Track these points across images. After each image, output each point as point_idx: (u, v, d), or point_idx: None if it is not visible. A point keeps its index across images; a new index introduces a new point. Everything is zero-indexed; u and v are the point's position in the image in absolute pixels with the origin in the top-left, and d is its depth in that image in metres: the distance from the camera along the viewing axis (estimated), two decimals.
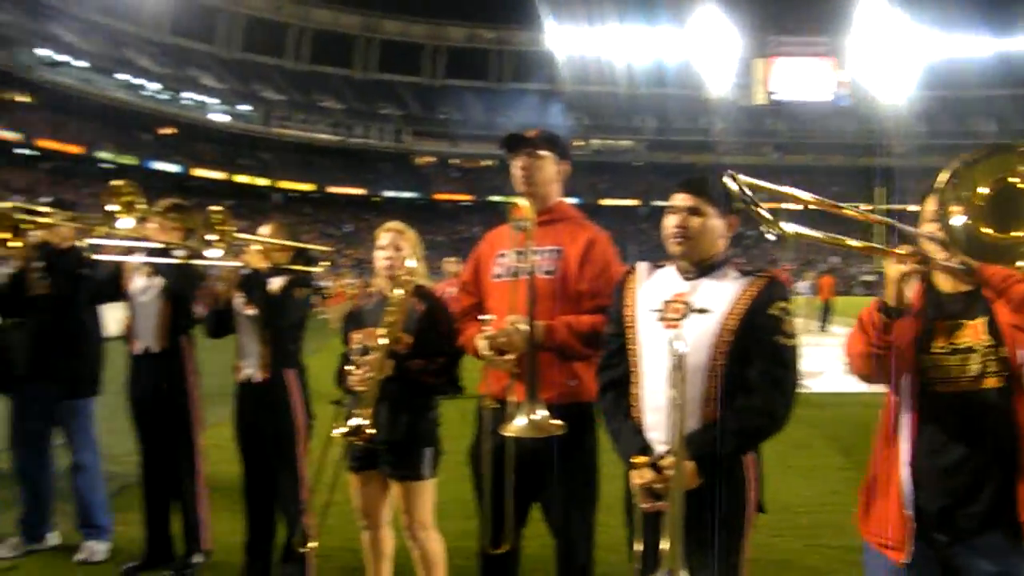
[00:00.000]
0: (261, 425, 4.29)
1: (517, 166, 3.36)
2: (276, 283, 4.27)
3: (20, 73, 49.72)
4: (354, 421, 3.42)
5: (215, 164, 62.36)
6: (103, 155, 54.29)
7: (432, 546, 3.77)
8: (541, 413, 2.87)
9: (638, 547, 2.56)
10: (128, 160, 55.44)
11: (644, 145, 71.39)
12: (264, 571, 4.44)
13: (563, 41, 67.55)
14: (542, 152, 3.36)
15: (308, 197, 67.66)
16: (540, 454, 3.12)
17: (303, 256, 4.53)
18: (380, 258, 3.82)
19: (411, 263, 3.62)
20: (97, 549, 4.94)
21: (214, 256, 4.22)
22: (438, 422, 3.81)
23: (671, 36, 69.07)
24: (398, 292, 3.53)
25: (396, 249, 3.77)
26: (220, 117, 62.81)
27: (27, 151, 50.37)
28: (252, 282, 4.19)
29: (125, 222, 4.23)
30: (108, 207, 4.20)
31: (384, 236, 3.83)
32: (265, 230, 4.50)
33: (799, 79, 74.33)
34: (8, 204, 4.79)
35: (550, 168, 3.39)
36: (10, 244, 4.61)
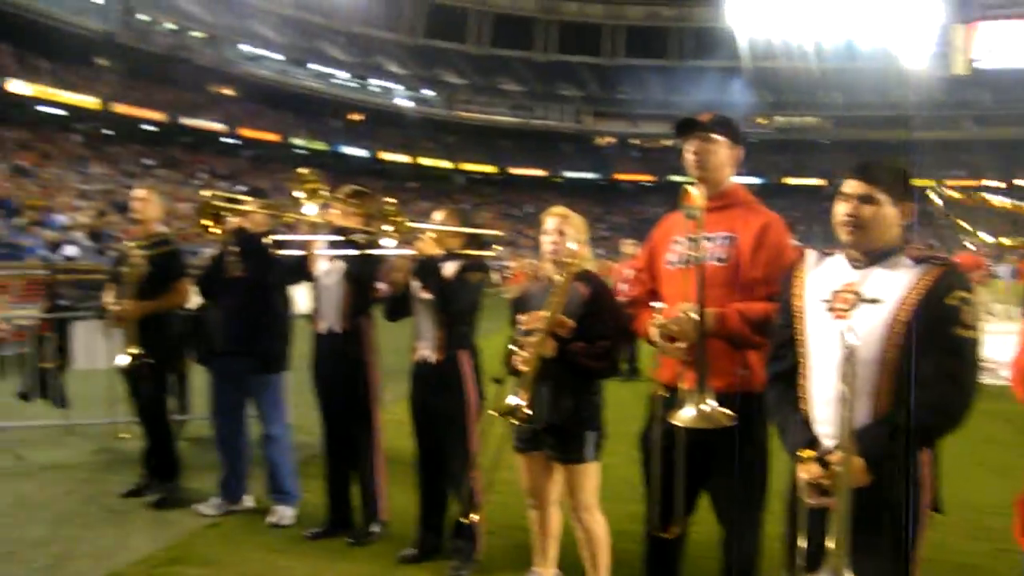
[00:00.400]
0: (434, 403, 4.47)
1: (689, 150, 3.33)
2: (450, 268, 4.42)
3: (225, 68, 53.18)
4: (511, 400, 3.50)
5: (400, 148, 64.51)
6: (297, 141, 57.28)
7: (596, 528, 3.81)
8: (710, 403, 2.84)
9: (802, 543, 2.50)
10: (319, 146, 58.31)
11: (831, 122, 67.94)
12: (436, 544, 4.64)
13: (744, 16, 65.22)
14: (715, 136, 3.30)
15: (490, 179, 68.89)
16: (709, 443, 3.10)
17: (476, 241, 4.64)
18: (545, 243, 3.87)
19: (572, 247, 3.65)
20: (285, 513, 5.29)
21: (390, 244, 4.39)
22: (602, 405, 3.83)
23: (860, 5, 65.22)
24: (560, 276, 3.57)
25: (560, 234, 3.80)
26: (405, 102, 64.85)
27: (231, 140, 53.88)
28: (427, 268, 4.34)
29: (310, 208, 4.51)
30: (295, 194, 4.49)
31: (549, 221, 3.87)
32: (438, 216, 4.65)
33: (1006, 44, 68.28)
34: (209, 193, 5.21)
35: (723, 152, 3.33)
36: (212, 230, 5.03)
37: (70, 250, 20.43)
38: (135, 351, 5.48)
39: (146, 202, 5.85)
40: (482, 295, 4.55)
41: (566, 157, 70.08)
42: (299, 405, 7.13)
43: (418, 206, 61.22)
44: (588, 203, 70.76)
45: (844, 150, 60.87)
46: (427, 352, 4.49)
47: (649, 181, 64.00)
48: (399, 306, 4.60)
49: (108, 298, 5.95)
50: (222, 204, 5.11)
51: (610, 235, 62.15)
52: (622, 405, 3.72)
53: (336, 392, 5.00)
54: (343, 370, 4.94)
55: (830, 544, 2.26)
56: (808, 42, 65.96)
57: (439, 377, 4.44)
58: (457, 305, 4.39)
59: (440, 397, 4.44)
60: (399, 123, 64.12)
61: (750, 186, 4.18)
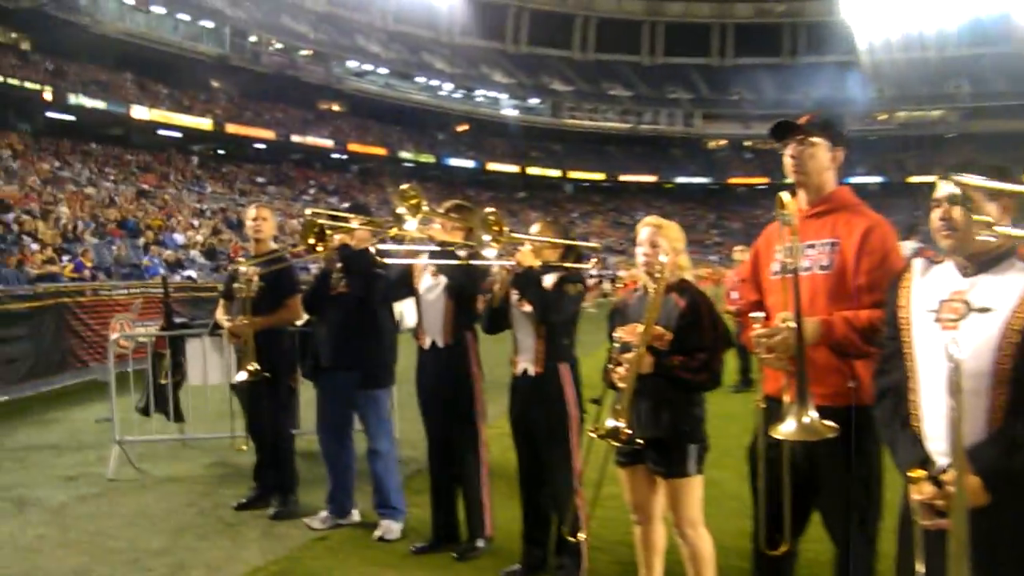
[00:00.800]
0: (535, 417, 4.52)
1: (787, 155, 3.28)
2: (549, 280, 4.46)
3: (334, 84, 54.75)
4: (611, 423, 3.51)
5: (508, 157, 65.12)
6: (404, 155, 58.45)
7: (700, 544, 3.77)
8: (812, 415, 2.78)
9: (920, 568, 2.40)
10: (426, 158, 59.39)
11: (958, 114, 64.88)
12: (541, 560, 4.67)
13: (860, 7, 63.07)
14: (814, 139, 3.23)
15: (599, 186, 68.81)
16: (817, 457, 3.05)
17: (574, 253, 4.67)
18: (638, 254, 3.86)
19: (663, 259, 3.64)
20: (392, 528, 5.41)
21: (491, 256, 4.47)
22: (704, 418, 3.81)
23: None
24: (656, 288, 3.58)
25: (652, 246, 3.77)
26: (511, 112, 65.46)
27: (339, 155, 55.37)
28: (526, 280, 4.39)
29: (411, 224, 4.62)
30: (398, 210, 4.60)
31: (642, 231, 3.85)
32: (535, 228, 4.70)
33: None
34: (311, 211, 5.41)
35: (823, 155, 3.26)
36: (317, 247, 5.21)
37: (188, 270, 21.40)
38: (253, 367, 5.69)
39: (262, 221, 6.09)
40: (580, 307, 4.58)
41: (677, 162, 69.44)
42: (404, 420, 7.32)
43: (527, 216, 61.68)
44: (700, 209, 69.92)
45: (975, 144, 57.86)
46: (527, 364, 4.54)
47: (764, 184, 62.60)
48: (498, 318, 4.67)
49: (220, 315, 6.22)
50: (326, 222, 5.30)
51: (723, 241, 61.24)
52: (733, 417, 3.67)
53: (440, 406, 5.09)
54: (447, 384, 5.03)
55: (948, 568, 2.18)
56: (930, 29, 63.27)
57: (539, 390, 4.49)
58: (556, 317, 4.42)
59: (540, 410, 4.49)
60: (506, 133, 64.77)
61: (871, 186, 4.03)
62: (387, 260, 5.25)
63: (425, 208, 4.62)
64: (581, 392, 4.53)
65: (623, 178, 68.28)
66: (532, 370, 4.51)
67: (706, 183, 68.73)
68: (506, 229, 4.33)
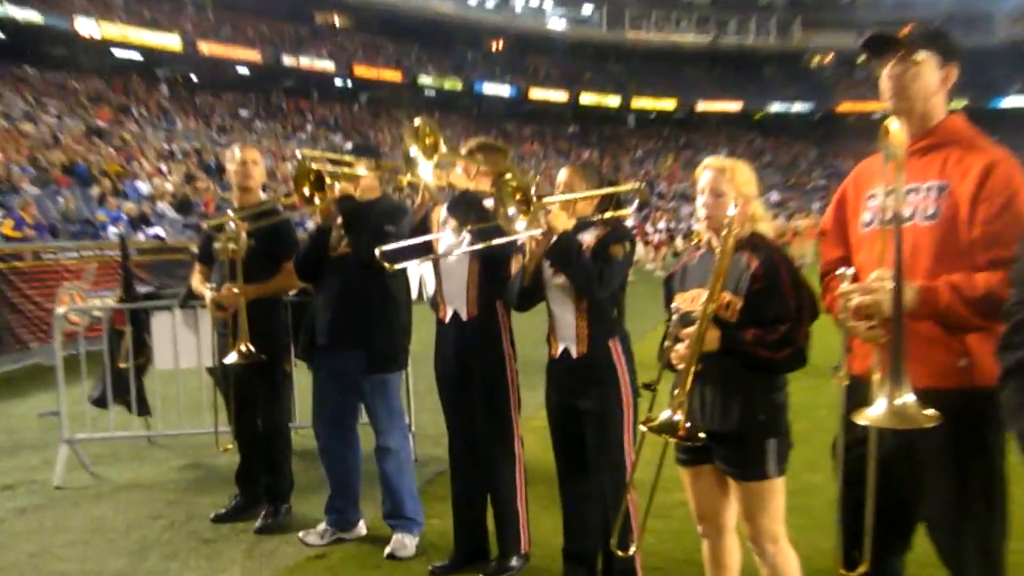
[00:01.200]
0: (579, 406, 4.59)
1: (885, 75, 3.28)
2: (586, 239, 4.52)
3: None
4: (666, 414, 3.53)
5: (555, 82, 64.84)
6: (425, 81, 58.40)
7: (782, 562, 3.80)
8: (907, 398, 2.78)
9: None
10: (452, 84, 59.29)
11: None
12: None
13: None
14: (919, 55, 3.23)
15: (669, 117, 68.35)
16: (920, 453, 3.06)
17: (612, 201, 4.68)
18: (698, 205, 3.88)
19: (732, 211, 3.65)
20: (406, 543, 5.54)
21: (519, 228, 4.42)
22: (785, 405, 3.81)
23: None
24: (721, 246, 3.60)
25: (715, 195, 3.78)
26: (559, 24, 65.03)
27: (343, 82, 55.38)
28: (561, 250, 4.41)
29: (426, 169, 4.65)
30: (410, 152, 4.64)
31: (701, 177, 3.86)
32: (562, 176, 4.72)
33: None
34: (308, 153, 5.47)
35: (930, 75, 3.24)
36: (314, 200, 5.25)
37: (155, 227, 21.61)
38: (245, 347, 5.76)
39: (251, 164, 6.18)
40: (629, 271, 4.61)
41: (769, 85, 68.72)
42: (421, 410, 7.43)
43: (578, 153, 61.39)
44: (800, 143, 69.24)
45: None
46: (567, 344, 4.61)
47: (882, 110, 61.54)
48: (528, 292, 4.73)
49: (197, 282, 6.35)
50: (324, 167, 5.35)
51: (829, 184, 60.44)
52: (832, 407, 3.64)
53: (465, 394, 5.17)
54: (473, 366, 5.11)
55: None
56: None
57: (584, 373, 4.56)
58: (602, 290, 4.46)
59: (586, 398, 4.56)
60: (552, 51, 64.40)
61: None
62: (400, 213, 5.29)
63: (444, 149, 4.65)
64: (635, 372, 4.59)
65: (701, 107, 67.74)
66: (574, 350, 4.59)
67: (807, 111, 67.89)
68: (533, 194, 4.31)
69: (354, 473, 5.84)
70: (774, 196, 55.37)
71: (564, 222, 4.42)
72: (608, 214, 4.63)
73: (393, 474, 5.62)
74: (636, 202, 4.98)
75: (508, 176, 4.33)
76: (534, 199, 4.27)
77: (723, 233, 3.64)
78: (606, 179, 4.82)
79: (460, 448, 5.28)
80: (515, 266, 4.95)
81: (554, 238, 4.41)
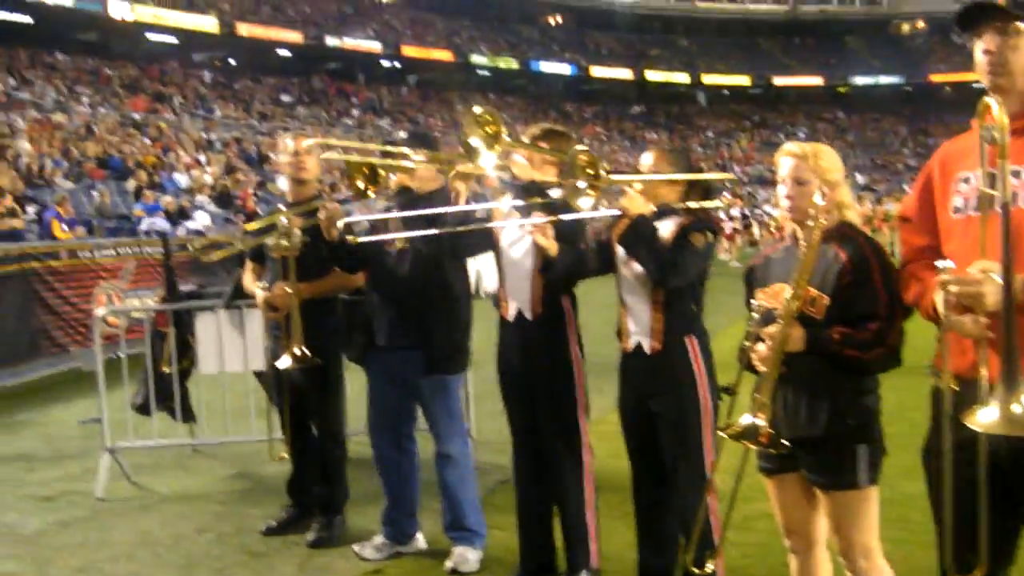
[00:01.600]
0: (654, 407, 4.60)
1: (981, 49, 3.25)
2: (666, 229, 4.51)
3: None
4: (747, 419, 3.52)
5: (618, 59, 64.69)
6: (478, 60, 58.50)
7: None
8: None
9: None
10: (507, 64, 59.32)
11: None
12: None
13: None
14: (1020, 25, 3.19)
15: (744, 93, 67.93)
16: None
17: (699, 189, 4.69)
18: (779, 195, 3.87)
19: (819, 200, 3.61)
20: (468, 557, 5.57)
21: (586, 206, 4.43)
22: (877, 409, 3.79)
23: None
24: (807, 238, 3.56)
25: (798, 183, 3.76)
26: None
27: (391, 63, 55.63)
28: (635, 234, 4.42)
29: (488, 159, 4.66)
30: (471, 141, 4.65)
31: (782, 164, 3.84)
32: (647, 160, 4.73)
33: None
34: (356, 152, 5.49)
35: None
36: (368, 193, 5.33)
37: (197, 218, 21.76)
38: (299, 350, 5.80)
39: (305, 155, 6.20)
40: (710, 263, 4.63)
41: (854, 56, 68.00)
42: (483, 415, 7.47)
43: (643, 134, 61.21)
44: (889, 119, 68.49)
45: None
46: (641, 339, 4.62)
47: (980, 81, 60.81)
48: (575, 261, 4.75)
49: (250, 281, 6.43)
50: (377, 160, 5.40)
51: (921, 163, 59.55)
52: (922, 408, 3.61)
53: (530, 398, 5.19)
54: (538, 368, 5.13)
55: None
56: None
57: (659, 372, 4.57)
58: (679, 279, 4.46)
59: (661, 399, 4.57)
60: (615, 26, 64.29)
61: None
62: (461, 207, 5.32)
63: (507, 138, 4.65)
64: (715, 374, 4.59)
65: (778, 81, 67.26)
66: (648, 346, 4.59)
67: (897, 83, 67.16)
68: (604, 171, 4.29)
69: (412, 482, 5.89)
70: (860, 178, 54.86)
71: (640, 205, 4.43)
72: (693, 204, 4.61)
73: (454, 483, 5.65)
74: (727, 196, 4.96)
75: (581, 148, 4.32)
76: (604, 175, 4.24)
77: (809, 224, 3.59)
78: (696, 167, 4.79)
79: (525, 456, 5.30)
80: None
81: (628, 222, 4.40)
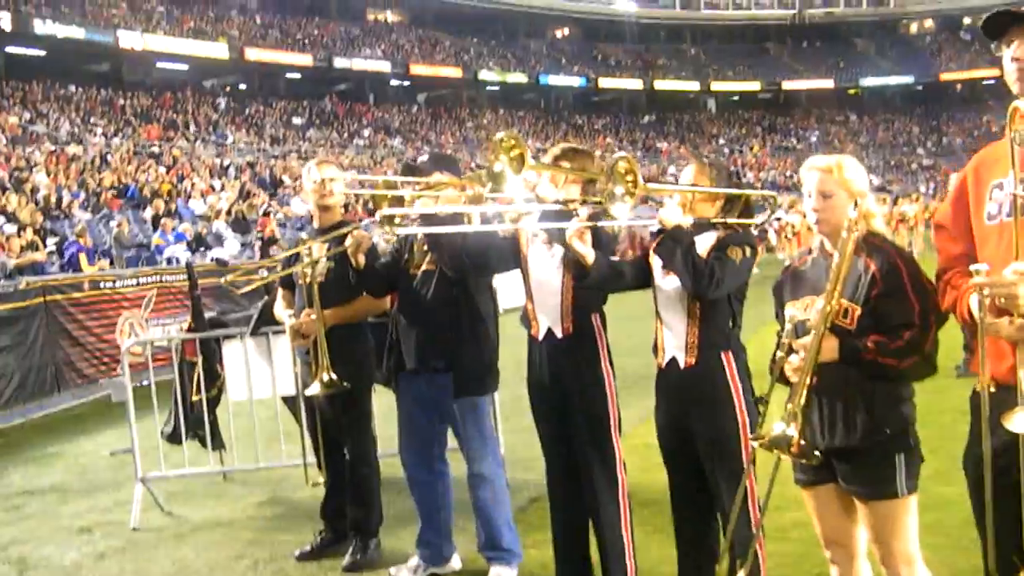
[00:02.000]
0: (690, 422, 4.59)
1: (1010, 56, 3.26)
2: (705, 242, 4.52)
3: None
4: (778, 428, 3.54)
5: (627, 70, 64.75)
6: (486, 76, 58.58)
7: None
8: None
9: None
10: (517, 78, 59.39)
11: None
12: None
13: None
14: None
15: (754, 99, 67.88)
16: None
17: (739, 204, 4.67)
18: (806, 209, 3.87)
19: (852, 213, 3.61)
20: (503, 575, 5.60)
21: (622, 213, 4.43)
22: (912, 416, 3.79)
23: None
24: (840, 250, 3.58)
25: (824, 196, 3.78)
26: (628, 7, 64.90)
27: (400, 82, 55.78)
28: (672, 244, 4.40)
29: (515, 184, 4.67)
30: (495, 168, 4.65)
31: (807, 179, 3.86)
32: (687, 174, 4.74)
33: None
34: (382, 185, 5.50)
35: None
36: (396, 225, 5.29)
37: (227, 247, 21.81)
38: (328, 376, 5.82)
39: (330, 181, 6.18)
40: (748, 277, 4.60)
41: (864, 57, 67.94)
42: (511, 431, 7.49)
43: (654, 143, 61.18)
44: (900, 119, 68.33)
45: None
46: (676, 353, 4.62)
47: (992, 77, 60.61)
48: (612, 273, 4.72)
49: (281, 308, 6.48)
50: (402, 193, 5.46)
51: (934, 162, 59.49)
52: (963, 412, 3.60)
53: (562, 416, 5.20)
54: (570, 387, 5.14)
55: None
56: None
57: (695, 387, 4.56)
58: (715, 291, 4.42)
59: (699, 414, 4.55)
60: (623, 36, 64.31)
61: None
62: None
63: (531, 161, 4.66)
64: (752, 391, 4.55)
65: (788, 85, 67.19)
66: (682, 360, 4.59)
67: (908, 83, 67.01)
68: (641, 179, 4.25)
69: (445, 504, 5.91)
70: (875, 179, 54.74)
71: (678, 217, 4.42)
72: (732, 220, 4.60)
73: (487, 503, 5.66)
74: (767, 212, 4.92)
75: (621, 155, 4.27)
76: (641, 183, 4.19)
77: (843, 236, 3.61)
78: (736, 182, 4.79)
79: (559, 474, 5.31)
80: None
81: (667, 231, 4.39)
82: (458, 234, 5.32)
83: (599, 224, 4.67)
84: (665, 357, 4.66)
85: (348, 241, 5.51)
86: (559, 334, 5.15)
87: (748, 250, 4.50)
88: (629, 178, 4.19)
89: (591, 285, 4.80)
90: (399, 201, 5.36)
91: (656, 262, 4.61)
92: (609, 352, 5.18)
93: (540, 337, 5.21)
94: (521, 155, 4.44)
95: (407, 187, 5.71)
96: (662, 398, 4.73)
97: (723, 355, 4.56)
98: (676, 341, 4.61)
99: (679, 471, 4.73)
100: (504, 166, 4.41)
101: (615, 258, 4.90)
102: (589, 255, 4.54)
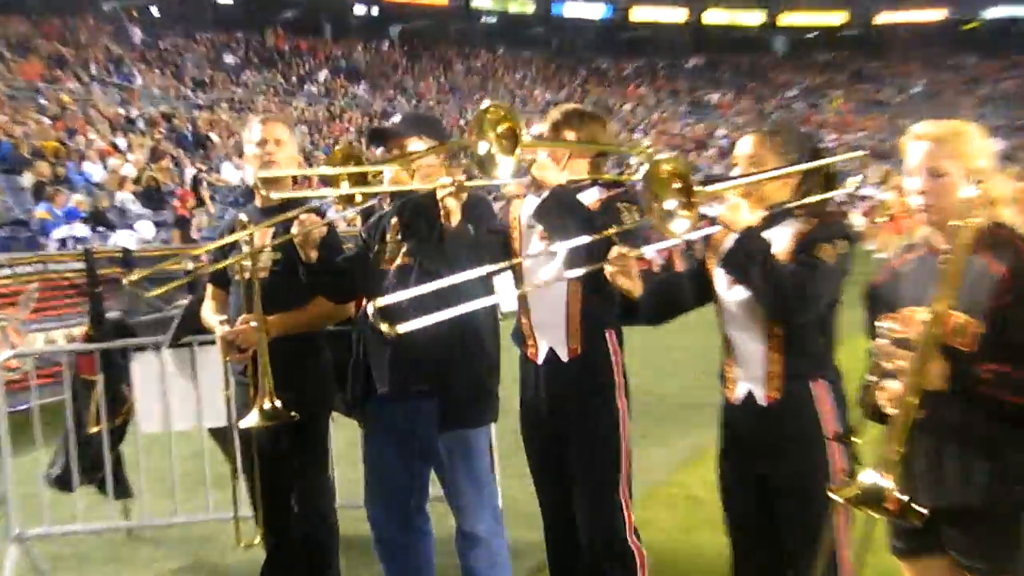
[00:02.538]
0: (766, 472, 4.59)
1: None
2: (781, 239, 4.48)
3: None
4: (869, 478, 3.52)
5: None
6: (480, 2, 58.47)
7: None
8: None
9: None
10: (521, 6, 59.28)
11: None
12: None
13: None
14: None
15: (836, 37, 67.78)
16: None
17: (818, 178, 4.65)
18: (908, 189, 3.82)
19: (968, 192, 3.57)
20: None
21: (680, 230, 4.33)
22: None
23: None
24: (952, 245, 3.53)
25: (934, 175, 3.75)
26: None
27: (365, 6, 55.68)
28: (743, 255, 4.34)
29: (506, 167, 4.70)
30: (481, 147, 4.69)
31: (911, 151, 3.83)
32: (745, 148, 4.67)
33: None
34: (342, 147, 5.47)
35: None
36: (355, 199, 5.28)
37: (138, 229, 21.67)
38: (270, 403, 5.67)
39: (277, 144, 6.09)
40: (844, 282, 4.50)
41: None
42: (516, 476, 7.52)
43: (703, 96, 61.14)
44: None
45: None
46: (752, 385, 4.59)
47: None
48: (670, 296, 4.75)
49: (210, 314, 6.36)
50: (362, 155, 5.43)
51: None
52: None
53: (560, 461, 5.29)
54: (572, 425, 5.22)
55: None
56: None
57: (776, 429, 4.52)
58: (806, 311, 4.38)
59: (777, 463, 4.54)
60: None
61: None
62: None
63: (526, 136, 4.65)
64: (849, 427, 4.41)
65: (882, 18, 67.10)
66: (761, 395, 4.55)
67: None
68: (696, 186, 4.16)
69: (426, 570, 5.91)
70: (999, 146, 54.69)
71: (746, 215, 4.33)
72: (813, 197, 4.55)
73: (482, 571, 5.65)
74: (859, 178, 4.83)
75: (662, 157, 4.25)
76: (696, 187, 4.14)
77: (958, 228, 3.53)
78: (811, 149, 4.69)
79: (559, 534, 5.41)
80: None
81: (736, 235, 4.33)
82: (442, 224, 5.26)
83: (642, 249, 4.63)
84: (737, 391, 4.66)
85: (294, 229, 5.44)
86: (564, 357, 5.20)
87: (842, 244, 4.40)
88: (678, 184, 4.15)
89: (641, 323, 4.81)
90: (362, 175, 5.26)
91: (719, 272, 4.60)
92: (626, 381, 5.21)
93: (539, 359, 5.26)
94: (514, 129, 4.44)
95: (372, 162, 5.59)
96: (730, 440, 4.74)
97: (812, 385, 4.52)
98: (751, 370, 4.61)
99: (746, 535, 4.74)
100: (493, 146, 4.42)
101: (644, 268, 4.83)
102: (636, 289, 4.53)
